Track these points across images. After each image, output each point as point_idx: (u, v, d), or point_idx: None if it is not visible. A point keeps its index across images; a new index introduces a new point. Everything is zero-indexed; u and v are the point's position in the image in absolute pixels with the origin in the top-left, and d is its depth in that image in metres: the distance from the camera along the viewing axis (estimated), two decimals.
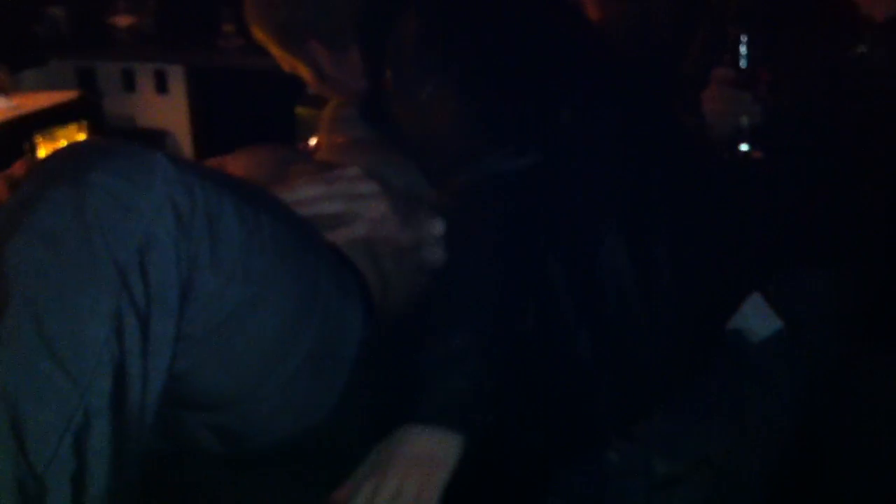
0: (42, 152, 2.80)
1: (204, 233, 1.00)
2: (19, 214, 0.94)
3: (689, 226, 1.39)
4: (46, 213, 0.93)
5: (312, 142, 1.72)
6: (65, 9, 3.45)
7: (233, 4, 2.95)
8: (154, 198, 0.96)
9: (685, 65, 1.75)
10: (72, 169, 0.95)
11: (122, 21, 3.44)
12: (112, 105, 3.41)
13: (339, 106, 1.63)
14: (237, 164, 1.49)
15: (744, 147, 1.59)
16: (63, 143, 2.87)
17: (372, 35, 1.43)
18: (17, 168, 1.29)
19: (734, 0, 1.73)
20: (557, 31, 1.45)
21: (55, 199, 0.93)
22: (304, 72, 1.55)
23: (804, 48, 1.65)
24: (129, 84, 3.47)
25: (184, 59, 3.39)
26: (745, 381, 1.44)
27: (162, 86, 3.44)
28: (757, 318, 1.43)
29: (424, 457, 1.12)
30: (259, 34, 1.55)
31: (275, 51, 1.56)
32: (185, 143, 3.45)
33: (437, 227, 1.26)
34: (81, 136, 2.97)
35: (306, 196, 1.26)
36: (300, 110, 2.66)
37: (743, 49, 1.55)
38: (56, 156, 1.01)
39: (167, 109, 3.44)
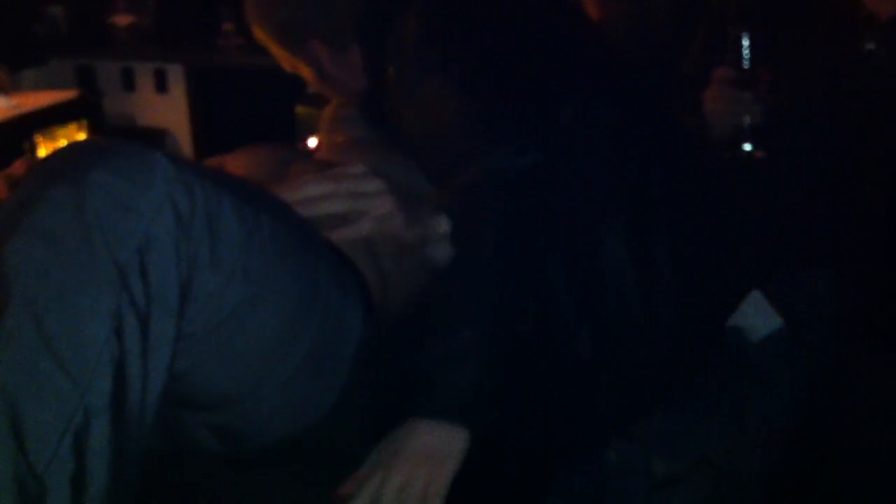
0: (42, 151, 2.80)
1: (204, 232, 1.00)
2: (19, 214, 0.94)
3: (689, 226, 1.39)
4: (46, 212, 0.93)
5: (312, 141, 1.72)
6: (64, 8, 3.45)
7: (232, 3, 2.95)
8: (154, 197, 0.96)
9: (685, 65, 1.75)
10: (72, 168, 0.95)
11: (122, 20, 3.44)
12: (112, 104, 3.41)
13: (339, 106, 1.63)
14: (237, 163, 1.49)
15: (747, 147, 1.59)
16: (63, 142, 2.87)
17: (372, 34, 1.43)
18: (17, 167, 1.29)
19: (734, 0, 1.73)
20: (558, 30, 1.45)
21: (55, 198, 0.93)
22: (305, 71, 1.55)
23: (804, 48, 1.65)
24: (129, 83, 3.47)
25: (183, 59, 3.39)
26: (744, 380, 1.44)
27: (162, 85, 3.43)
28: (757, 316, 1.43)
29: (431, 450, 1.13)
30: (259, 34, 1.55)
31: (275, 50, 1.56)
32: (184, 142, 3.45)
33: (442, 224, 1.26)
34: (81, 136, 2.97)
35: (312, 194, 1.26)
36: (300, 110, 2.66)
37: (744, 49, 1.55)
38: (56, 155, 1.01)
39: (167, 109, 3.44)
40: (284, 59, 1.56)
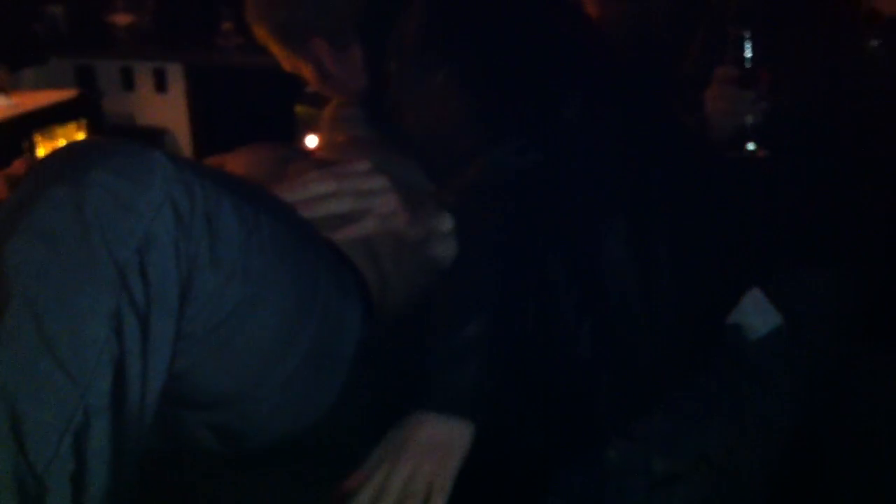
0: (41, 151, 2.80)
1: (203, 232, 1.00)
2: (19, 213, 0.93)
3: (689, 225, 1.39)
4: (46, 212, 0.93)
5: (310, 139, 1.72)
6: (64, 7, 3.45)
7: (232, 3, 2.96)
8: (154, 197, 0.96)
9: (685, 65, 1.75)
10: (71, 168, 0.95)
11: (122, 19, 3.44)
12: (111, 103, 3.41)
13: (339, 105, 1.63)
14: (237, 162, 1.49)
15: (750, 146, 1.59)
16: (62, 141, 2.87)
17: (373, 33, 1.43)
18: (17, 167, 1.29)
19: (734, 0, 1.73)
20: (558, 30, 1.45)
21: (54, 197, 0.93)
22: (306, 71, 1.55)
23: (804, 48, 1.65)
24: (129, 82, 3.47)
25: (183, 58, 3.38)
26: (744, 380, 1.44)
27: (161, 84, 3.43)
28: (756, 314, 1.43)
29: (438, 443, 1.13)
30: (260, 33, 1.55)
31: (275, 50, 1.56)
32: (184, 141, 3.44)
33: (445, 222, 1.26)
34: (80, 135, 2.97)
35: (316, 193, 1.25)
36: (300, 109, 2.66)
37: (746, 48, 1.55)
38: (55, 154, 1.01)
39: (166, 108, 3.44)
40: (284, 58, 1.56)
